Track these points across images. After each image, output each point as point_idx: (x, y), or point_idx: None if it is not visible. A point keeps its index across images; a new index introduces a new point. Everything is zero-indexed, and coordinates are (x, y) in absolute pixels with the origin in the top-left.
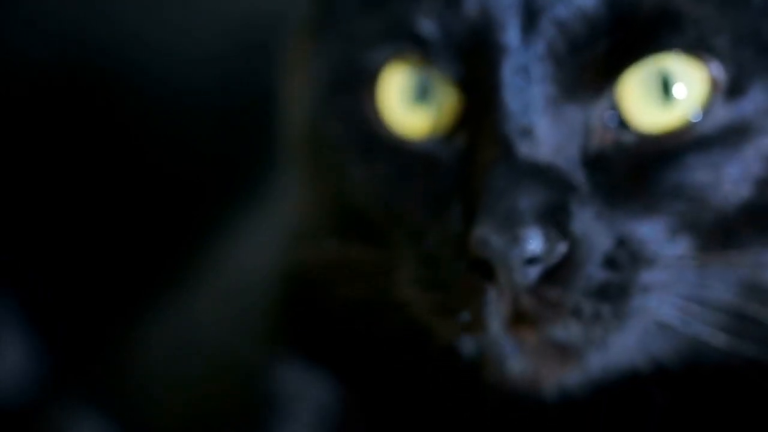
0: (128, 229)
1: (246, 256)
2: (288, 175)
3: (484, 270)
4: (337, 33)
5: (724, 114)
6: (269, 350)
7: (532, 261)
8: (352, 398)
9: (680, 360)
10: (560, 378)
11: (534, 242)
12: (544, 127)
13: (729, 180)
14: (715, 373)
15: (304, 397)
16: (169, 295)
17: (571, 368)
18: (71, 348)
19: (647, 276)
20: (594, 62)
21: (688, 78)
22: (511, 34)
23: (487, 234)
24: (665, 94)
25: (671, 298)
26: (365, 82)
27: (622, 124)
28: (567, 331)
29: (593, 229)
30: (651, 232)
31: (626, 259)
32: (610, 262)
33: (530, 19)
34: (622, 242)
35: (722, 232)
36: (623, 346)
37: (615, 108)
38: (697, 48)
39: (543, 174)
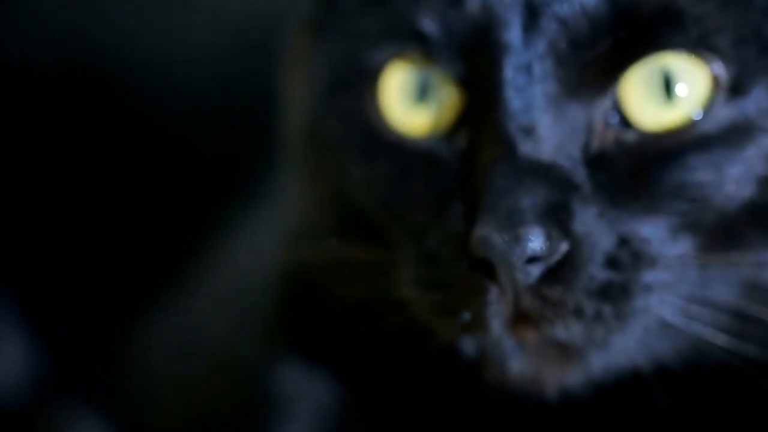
0: (128, 229)
1: (246, 256)
2: (288, 175)
3: (485, 269)
4: (338, 32)
5: (726, 113)
6: (269, 350)
7: (533, 260)
8: (352, 398)
9: (682, 360)
10: (561, 378)
11: (535, 241)
12: (546, 125)
13: (731, 179)
14: (716, 373)
15: (304, 397)
16: (168, 295)
17: (573, 368)
18: (71, 348)
19: (649, 276)
20: (596, 60)
21: (690, 77)
22: (513, 32)
23: (488, 233)
24: (667, 92)
25: (673, 298)
26: (366, 81)
27: (624, 122)
28: (568, 330)
29: (595, 228)
30: (653, 231)
31: (628, 258)
32: (612, 262)
33: (532, 17)
34: (623, 242)
35: (724, 231)
36: (624, 346)
37: (617, 106)
38: (699, 47)
39: (545, 173)
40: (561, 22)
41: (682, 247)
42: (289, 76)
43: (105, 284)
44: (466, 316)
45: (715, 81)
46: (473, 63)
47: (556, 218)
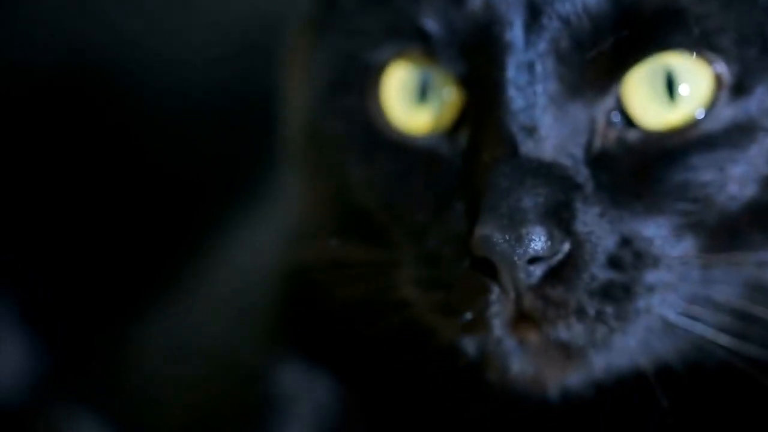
0: (127, 229)
1: (245, 256)
2: (288, 175)
3: (487, 269)
4: (338, 32)
5: (729, 113)
6: (269, 350)
7: (535, 260)
8: (352, 398)
9: (684, 360)
10: (563, 378)
11: (538, 241)
12: (548, 124)
13: (734, 179)
14: (718, 373)
15: (304, 397)
16: (168, 295)
17: (575, 368)
18: (70, 348)
19: (651, 276)
20: (598, 60)
21: (693, 76)
22: (516, 31)
23: (490, 233)
24: (670, 92)
25: (675, 298)
26: (367, 80)
27: (626, 122)
28: (570, 331)
29: (597, 228)
30: (655, 231)
31: (630, 258)
32: (614, 262)
33: (534, 15)
34: (626, 241)
35: (727, 231)
36: (626, 346)
37: (619, 106)
38: (702, 46)
39: (547, 172)
40: (563, 21)
41: (685, 247)
42: (289, 76)
43: (105, 284)
44: (468, 316)
45: (718, 80)
46: (475, 62)
47: (558, 218)
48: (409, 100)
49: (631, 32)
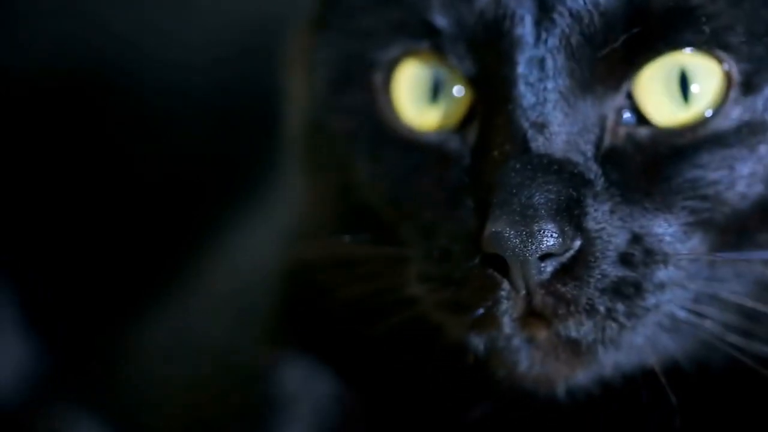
0: (127, 229)
1: (245, 256)
2: (288, 174)
3: (498, 266)
4: (343, 29)
5: (738, 111)
6: (269, 350)
7: (546, 257)
8: (354, 398)
9: (692, 358)
10: (571, 376)
11: (549, 238)
12: (558, 121)
13: (743, 178)
14: (726, 371)
15: (305, 397)
16: (167, 295)
17: (583, 366)
18: (70, 348)
19: (661, 273)
20: (609, 57)
21: (703, 74)
22: (526, 27)
23: (501, 229)
24: (680, 90)
25: (684, 295)
26: (375, 77)
27: (637, 119)
28: (580, 328)
29: (608, 225)
30: (665, 229)
31: (641, 256)
32: (625, 259)
33: (545, 11)
34: (636, 239)
35: (736, 229)
36: (636, 343)
37: (629, 103)
38: (712, 44)
39: (558, 169)
40: (574, 17)
41: (694, 244)
42: (290, 74)
43: (104, 285)
44: (477, 313)
45: (728, 78)
46: (485, 58)
47: (570, 215)
48: (419, 97)
49: (642, 29)
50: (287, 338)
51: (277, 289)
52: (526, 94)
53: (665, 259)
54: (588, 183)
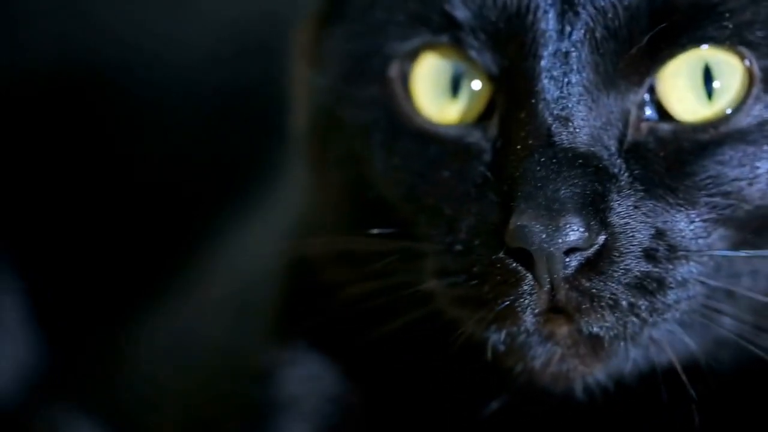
0: (126, 229)
1: (246, 255)
2: (291, 171)
3: (522, 260)
4: (360, 21)
5: (760, 108)
6: (271, 349)
7: (571, 251)
8: (357, 397)
9: (709, 355)
10: (590, 373)
11: (575, 232)
12: (582, 115)
13: (764, 175)
14: (742, 367)
15: (307, 397)
16: (166, 296)
17: (602, 362)
18: (69, 349)
19: (683, 269)
20: (632, 51)
21: (725, 71)
22: (550, 21)
23: (527, 223)
24: (702, 86)
25: (702, 292)
26: (393, 70)
27: (659, 114)
28: (602, 323)
29: (632, 220)
30: (688, 224)
31: (664, 251)
32: (649, 255)
33: (568, 4)
34: (660, 234)
35: (756, 227)
36: (656, 339)
37: (652, 98)
38: (734, 40)
39: (583, 163)
40: (598, 10)
41: (714, 240)
42: (296, 70)
43: (103, 285)
44: (497, 308)
45: (749, 75)
46: (507, 51)
47: (595, 209)
48: (439, 92)
49: (666, 24)
50: (289, 337)
51: (279, 287)
52: (549, 88)
53: (688, 255)
54: (612, 177)
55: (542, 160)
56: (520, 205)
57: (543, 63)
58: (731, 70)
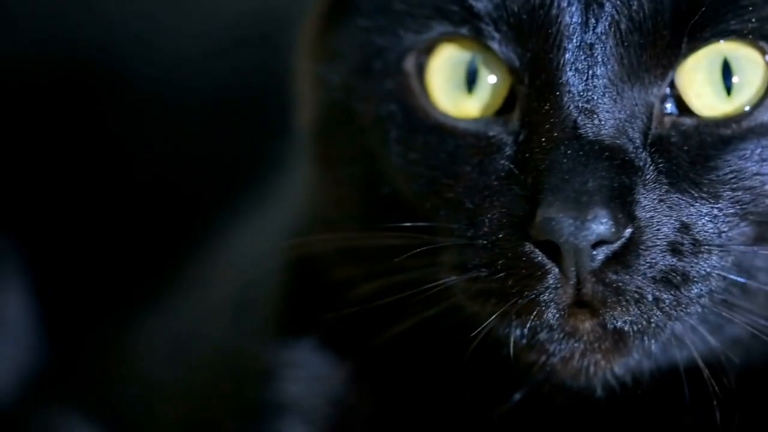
0: (124, 227)
1: (245, 254)
2: (298, 167)
3: (549, 253)
4: (375, 13)
5: None
6: (273, 348)
7: (598, 244)
8: (360, 396)
9: (731, 352)
10: (611, 368)
11: (603, 225)
12: (607, 107)
13: None
14: (764, 365)
15: (309, 397)
16: (164, 296)
17: (624, 358)
18: (66, 349)
19: (707, 263)
20: (657, 44)
21: (746, 66)
22: (574, 12)
23: (555, 215)
24: (721, 81)
25: (721, 286)
26: (408, 63)
27: (681, 108)
28: (626, 317)
29: (657, 213)
30: (712, 218)
31: (689, 245)
32: (674, 248)
33: None
34: (684, 228)
35: None
36: (678, 334)
37: (674, 92)
38: (756, 35)
39: (609, 155)
40: (622, 2)
41: (736, 235)
42: (302, 65)
43: (102, 284)
44: (520, 302)
45: None
46: (530, 43)
47: (622, 202)
48: (457, 85)
49: (690, 17)
50: (291, 336)
51: (281, 285)
52: (574, 81)
53: (711, 249)
54: (638, 170)
55: (568, 152)
56: (547, 197)
57: (568, 55)
58: (752, 66)
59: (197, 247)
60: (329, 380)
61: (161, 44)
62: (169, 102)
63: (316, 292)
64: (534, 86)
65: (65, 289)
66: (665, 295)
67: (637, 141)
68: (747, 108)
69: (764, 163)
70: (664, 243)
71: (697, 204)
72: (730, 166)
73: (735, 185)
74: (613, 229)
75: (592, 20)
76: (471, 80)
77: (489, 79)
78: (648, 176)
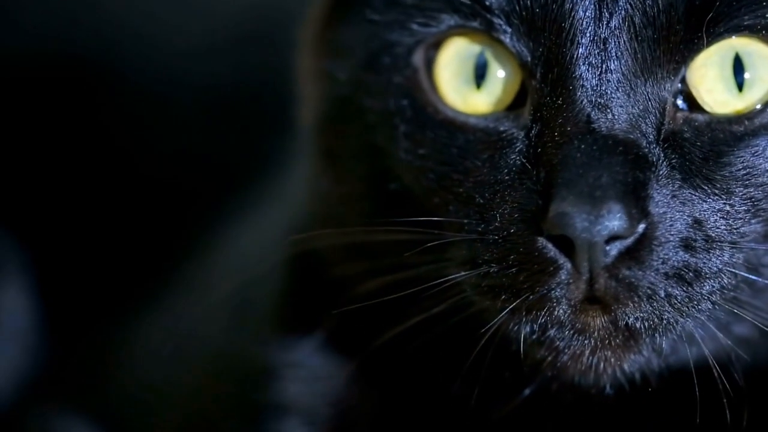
0: (122, 227)
1: (245, 254)
2: (301, 165)
3: (562, 248)
4: (377, 7)
5: None
6: (274, 348)
7: (612, 240)
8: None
9: (740, 349)
10: (621, 365)
11: (618, 220)
12: (621, 102)
13: None
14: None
15: (310, 397)
16: (163, 296)
17: (635, 354)
18: (64, 350)
19: (719, 260)
20: (671, 39)
21: (758, 63)
22: (588, 6)
23: (569, 210)
24: (732, 77)
25: (734, 283)
26: (417, 57)
27: (694, 104)
28: (638, 314)
29: (670, 209)
30: (724, 215)
31: (702, 241)
32: (687, 244)
33: None
34: (697, 224)
35: None
36: (688, 331)
37: (687, 88)
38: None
39: (623, 150)
40: None
41: (747, 232)
42: (306, 60)
43: (101, 283)
44: (532, 297)
45: None
46: (543, 37)
47: (636, 197)
48: (466, 80)
49: (705, 13)
50: (291, 336)
51: (281, 284)
52: (587, 75)
53: (723, 246)
54: (651, 166)
55: (582, 146)
56: (560, 191)
57: (581, 50)
58: (764, 62)
59: (197, 245)
60: (330, 380)
61: (162, 42)
62: (170, 99)
63: (317, 289)
64: (546, 81)
65: (64, 289)
66: (677, 291)
67: (651, 136)
68: (758, 106)
69: None
70: (677, 239)
71: (710, 200)
72: (742, 162)
73: (747, 182)
74: (627, 225)
75: (606, 14)
76: (480, 75)
77: (499, 73)
78: (661, 171)
